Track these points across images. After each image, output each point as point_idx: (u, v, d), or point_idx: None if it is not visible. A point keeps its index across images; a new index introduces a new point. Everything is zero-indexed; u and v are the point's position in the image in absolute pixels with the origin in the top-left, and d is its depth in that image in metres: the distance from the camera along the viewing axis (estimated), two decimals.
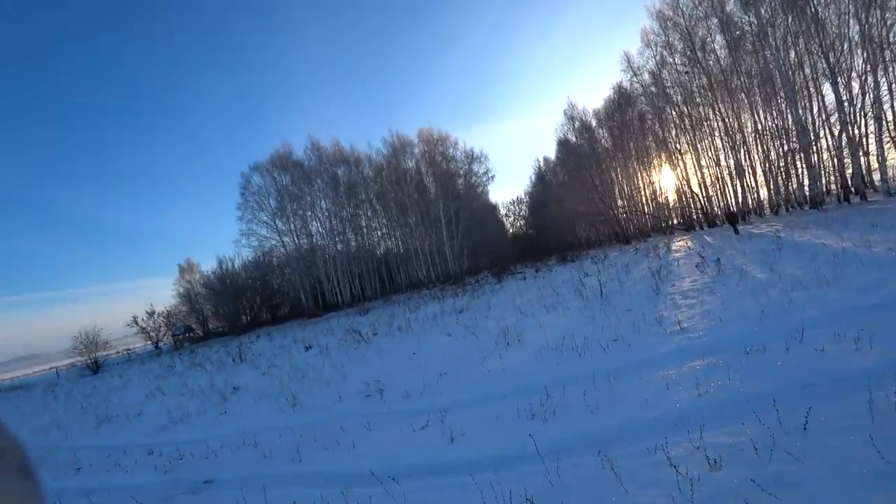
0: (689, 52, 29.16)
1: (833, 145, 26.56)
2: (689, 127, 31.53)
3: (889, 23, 22.98)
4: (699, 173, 32.20)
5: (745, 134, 29.25)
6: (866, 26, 23.08)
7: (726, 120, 28.96)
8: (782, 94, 24.82)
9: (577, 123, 40.69)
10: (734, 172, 29.61)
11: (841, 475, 2.84)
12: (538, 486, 3.41)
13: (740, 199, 29.77)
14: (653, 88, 33.08)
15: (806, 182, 25.76)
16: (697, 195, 32.49)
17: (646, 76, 33.35)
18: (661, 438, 3.65)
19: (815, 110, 25.72)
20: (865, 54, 24.19)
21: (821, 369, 4.42)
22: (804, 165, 24.83)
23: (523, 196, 63.47)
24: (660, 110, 33.14)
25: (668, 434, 3.71)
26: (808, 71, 24.99)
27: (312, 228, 41.21)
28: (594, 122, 40.33)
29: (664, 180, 38.64)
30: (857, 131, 24.11)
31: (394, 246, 46.10)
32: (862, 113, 24.94)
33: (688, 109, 31.38)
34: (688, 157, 32.74)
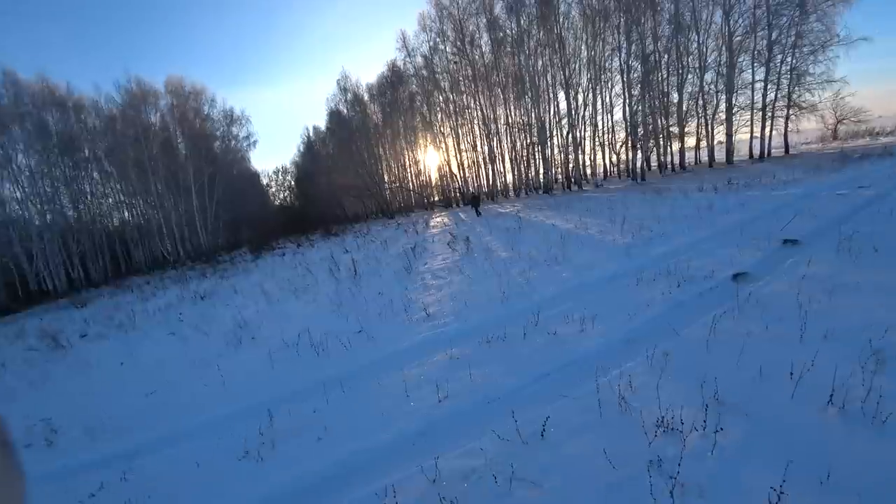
0: (459, 44, 30.57)
1: (562, 143, 31.17)
2: (452, 112, 33.39)
3: (608, 53, 27.72)
4: (459, 156, 34.53)
5: (499, 125, 32.29)
6: (593, 52, 27.42)
7: (484, 111, 31.43)
8: (529, 95, 27.86)
9: (349, 95, 39.45)
10: (487, 158, 32.46)
11: (579, 496, 2.41)
12: None
13: (491, 182, 32.85)
14: (424, 72, 33.97)
15: (541, 171, 29.66)
16: (456, 176, 34.81)
17: (419, 59, 34.03)
18: (394, 472, 2.86)
19: (552, 113, 29.73)
20: (590, 74, 28.78)
21: (554, 356, 4.25)
22: (541, 158, 28.46)
23: (289, 166, 59.56)
24: (429, 93, 34.32)
25: (403, 463, 2.94)
26: (549, 78, 28.63)
27: (10, 193, 29.52)
28: (367, 97, 39.68)
29: (428, 160, 40.49)
30: (579, 134, 28.58)
31: (133, 217, 36.90)
32: (583, 120, 29.78)
33: (453, 96, 33.13)
34: (450, 141, 34.76)
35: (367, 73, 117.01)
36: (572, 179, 28.69)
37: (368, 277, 9.79)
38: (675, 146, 28.93)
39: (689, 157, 30.73)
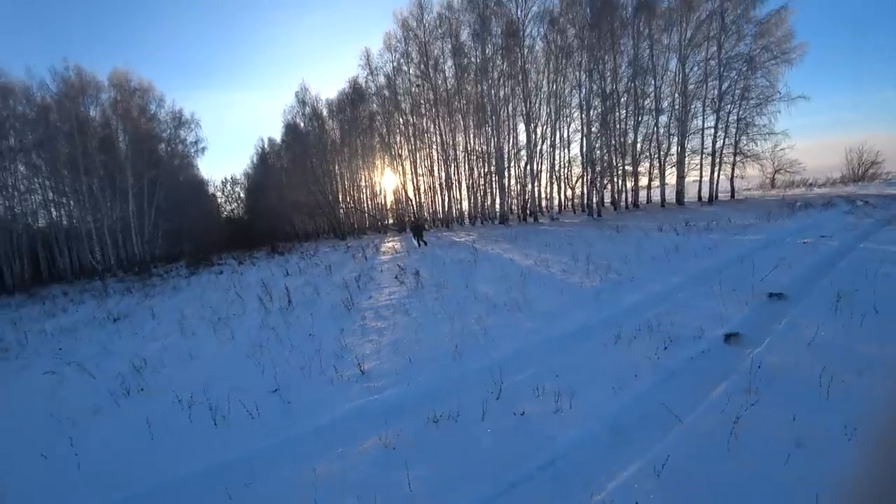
0: (423, 67, 29.90)
1: (519, 174, 30.79)
2: (411, 135, 32.53)
3: (568, 89, 27.76)
4: (416, 180, 33.54)
5: (457, 152, 31.63)
6: (554, 86, 27.35)
7: (444, 136, 30.71)
8: (490, 123, 27.40)
9: (308, 109, 37.86)
10: (444, 184, 31.61)
11: None
12: None
13: (447, 209, 31.95)
14: (386, 92, 33.09)
15: (498, 201, 29.07)
16: (412, 200, 33.74)
17: (381, 78, 33.15)
18: None
19: (511, 143, 29.38)
20: (550, 108, 28.70)
21: (523, 450, 3.13)
22: (498, 187, 27.84)
23: (240, 177, 56.82)
24: (389, 114, 33.41)
25: None
26: (510, 109, 28.36)
27: None
28: (325, 112, 38.30)
29: (385, 182, 39.35)
30: (536, 166, 28.25)
31: (61, 218, 33.25)
32: (541, 153, 29.58)
33: (413, 119, 32.33)
34: (407, 164, 33.79)
35: (327, 89, 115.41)
36: (528, 211, 28.22)
37: (302, 310, 8.42)
38: (629, 184, 29.11)
39: (642, 195, 31.00)
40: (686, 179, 27.15)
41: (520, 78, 25.98)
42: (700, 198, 28.41)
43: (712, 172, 26.58)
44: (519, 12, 25.07)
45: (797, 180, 35.00)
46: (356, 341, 6.01)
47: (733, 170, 26.99)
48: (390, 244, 21.74)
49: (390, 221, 38.54)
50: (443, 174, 31.73)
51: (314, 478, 3.11)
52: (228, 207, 56.13)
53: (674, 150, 27.64)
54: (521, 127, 29.30)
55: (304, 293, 9.92)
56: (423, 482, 2.91)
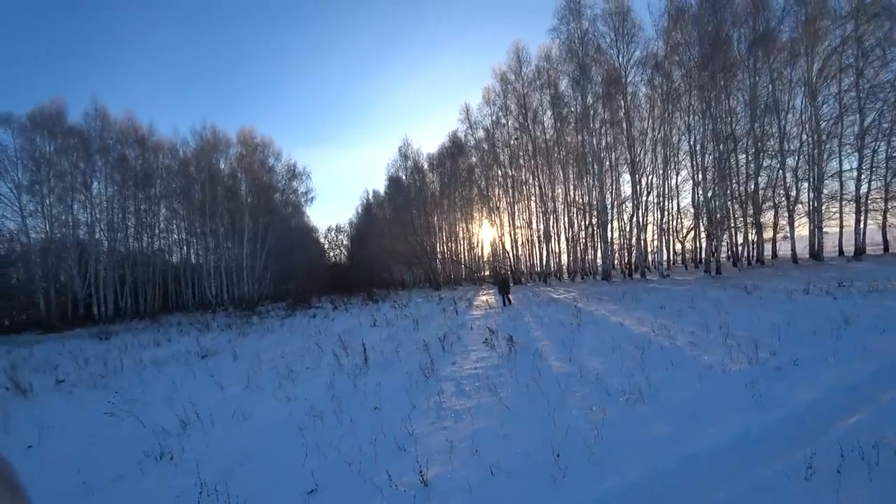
0: (521, 119, 29.41)
1: (623, 227, 28.44)
2: (510, 187, 31.73)
3: (676, 138, 25.47)
4: (513, 232, 32.34)
5: (557, 203, 30.15)
6: (660, 133, 25.23)
7: (543, 187, 29.48)
8: (592, 173, 25.74)
9: (409, 163, 38.95)
10: (543, 236, 30.04)
11: None
12: None
13: (545, 263, 30.17)
14: (485, 145, 32.96)
15: (599, 255, 26.85)
16: (509, 253, 32.43)
17: (481, 132, 33.18)
18: None
19: (613, 194, 27.34)
20: (655, 156, 26.49)
21: None
22: (601, 240, 25.66)
23: (344, 225, 59.93)
24: (488, 166, 33.05)
25: None
26: (613, 159, 26.52)
27: (81, 217, 30.63)
28: (426, 166, 39.05)
29: (482, 234, 38.68)
30: (642, 218, 25.83)
31: (193, 256, 37.30)
32: (646, 204, 27.12)
33: (512, 171, 31.63)
34: (505, 216, 32.82)
35: (429, 144, 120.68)
36: (633, 266, 25.64)
37: (377, 372, 7.34)
38: (751, 237, 25.49)
39: (766, 250, 27.11)
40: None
41: (623, 125, 24.24)
42: (841, 251, 24.14)
43: (857, 221, 22.36)
44: (620, 58, 23.70)
45: None
46: (426, 428, 4.70)
47: (885, 217, 22.51)
48: (484, 298, 20.46)
49: (487, 273, 37.45)
50: (541, 226, 30.30)
51: None
52: (332, 253, 58.96)
53: (804, 196, 23.95)
54: (625, 178, 27.43)
55: (383, 351, 8.90)
56: None
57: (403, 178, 39.72)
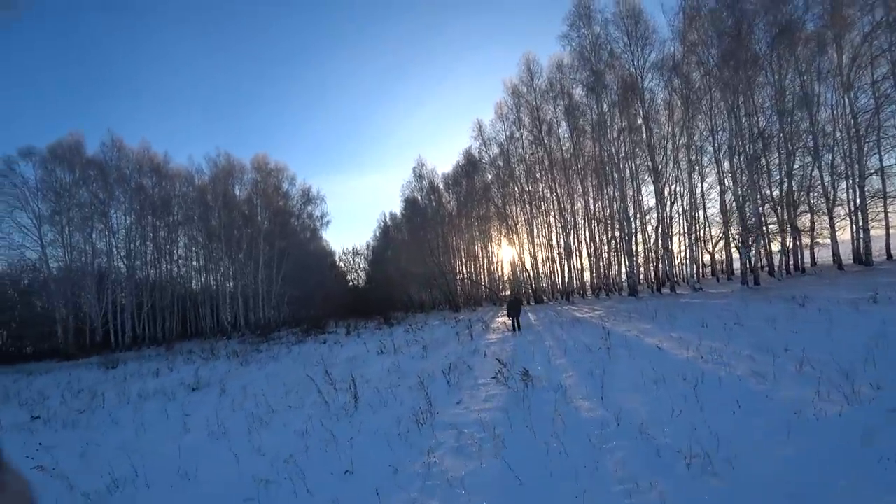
0: (536, 132, 28.14)
1: (647, 239, 26.70)
2: (527, 203, 30.27)
3: (699, 142, 23.84)
4: (533, 249, 30.76)
5: (577, 218, 28.64)
6: (681, 139, 23.65)
7: (561, 201, 28.00)
8: (613, 181, 24.16)
9: (425, 183, 37.92)
10: (563, 252, 28.42)
11: None
12: None
13: (567, 280, 28.47)
14: (500, 161, 31.71)
15: (624, 269, 25.11)
16: (529, 271, 30.81)
17: (495, 148, 31.95)
18: None
19: (635, 205, 25.68)
20: (678, 162, 24.89)
21: None
22: (625, 254, 23.91)
23: (361, 248, 59.09)
24: (504, 183, 31.74)
25: None
26: (634, 166, 24.89)
27: (100, 245, 30.54)
28: (441, 185, 37.97)
29: (501, 252, 37.23)
30: (670, 228, 24.08)
31: (213, 282, 36.60)
32: (671, 213, 25.40)
33: (528, 186, 30.26)
34: (524, 233, 31.33)
35: (443, 164, 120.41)
36: (662, 281, 23.81)
37: (365, 414, 6.01)
38: (788, 243, 23.38)
39: (801, 257, 24.99)
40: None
41: (643, 131, 22.73)
42: (889, 255, 21.94)
43: None
44: (635, 63, 22.32)
45: None
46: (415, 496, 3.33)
47: None
48: (502, 320, 18.94)
49: (507, 293, 35.85)
50: (561, 242, 28.70)
51: None
52: (351, 276, 57.98)
53: (843, 195, 21.95)
54: (646, 189, 25.77)
55: (378, 388, 7.55)
56: None
57: (419, 198, 38.69)
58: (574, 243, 28.58)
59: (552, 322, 14.84)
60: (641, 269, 27.26)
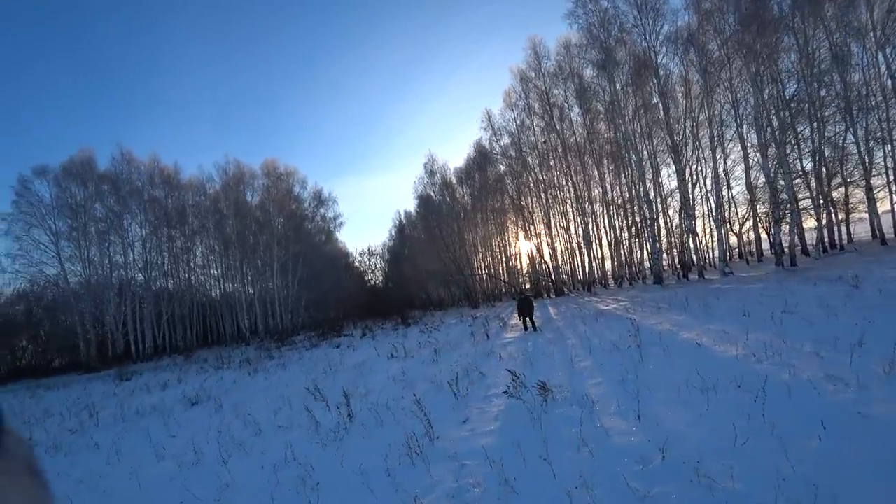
0: (547, 118, 26.79)
1: (670, 222, 25.25)
2: (542, 192, 28.91)
3: (720, 116, 22.23)
4: (551, 240, 29.43)
5: (594, 205, 27.23)
6: (701, 115, 22.10)
7: (577, 188, 26.64)
8: (631, 164, 22.70)
9: (437, 178, 36.76)
10: (582, 241, 27.07)
11: None
12: None
13: (588, 269, 27.13)
14: (511, 151, 30.35)
15: (647, 256, 23.73)
16: (547, 262, 29.53)
17: (506, 137, 30.59)
18: None
19: (655, 187, 24.21)
20: (699, 140, 23.35)
21: None
22: (648, 239, 22.47)
23: (377, 248, 58.03)
24: (518, 174, 30.35)
25: None
26: (652, 147, 23.33)
27: (118, 258, 30.38)
28: (454, 179, 36.79)
29: (519, 245, 35.94)
30: (693, 209, 22.59)
31: (234, 290, 35.79)
32: (693, 193, 23.88)
33: (542, 175, 28.88)
34: (540, 224, 30.00)
35: (456, 158, 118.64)
36: (688, 266, 22.34)
37: (356, 438, 5.09)
38: (823, 218, 21.64)
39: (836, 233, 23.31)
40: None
41: (660, 108, 21.26)
42: None
43: None
44: (648, 37, 20.80)
45: None
46: None
47: None
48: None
49: (527, 286, 34.60)
50: (580, 230, 27.31)
51: None
52: (368, 277, 56.99)
53: (881, 164, 20.23)
54: (666, 171, 24.32)
55: (377, 401, 6.63)
56: None
57: (432, 195, 37.60)
58: (593, 231, 27.18)
59: (574, 316, 13.71)
60: (665, 255, 25.79)
